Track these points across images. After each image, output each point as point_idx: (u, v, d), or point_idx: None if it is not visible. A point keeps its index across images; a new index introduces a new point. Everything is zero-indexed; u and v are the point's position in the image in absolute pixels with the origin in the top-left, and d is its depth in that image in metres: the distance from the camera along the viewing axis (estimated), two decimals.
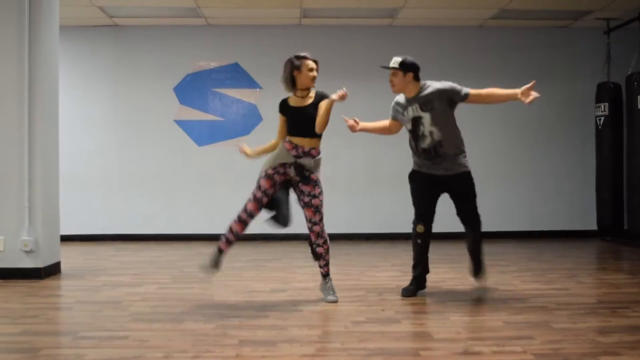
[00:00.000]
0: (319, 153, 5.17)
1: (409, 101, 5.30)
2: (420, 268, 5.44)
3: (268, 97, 9.57)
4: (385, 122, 5.60)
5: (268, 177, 5.11)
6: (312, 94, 5.23)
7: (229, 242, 5.22)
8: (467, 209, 5.33)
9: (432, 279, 6.17)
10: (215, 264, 5.26)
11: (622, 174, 9.04)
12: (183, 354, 3.72)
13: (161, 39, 9.65)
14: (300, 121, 5.09)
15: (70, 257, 7.53)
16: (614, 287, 5.78)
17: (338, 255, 7.86)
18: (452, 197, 5.35)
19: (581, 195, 9.68)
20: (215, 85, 9.65)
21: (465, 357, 3.64)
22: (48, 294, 5.66)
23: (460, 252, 7.87)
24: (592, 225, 9.45)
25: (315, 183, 5.12)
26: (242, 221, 5.15)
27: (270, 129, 9.85)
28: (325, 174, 9.51)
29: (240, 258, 7.40)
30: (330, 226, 9.46)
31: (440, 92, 5.26)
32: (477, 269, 5.49)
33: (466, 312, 4.75)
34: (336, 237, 9.30)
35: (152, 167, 9.63)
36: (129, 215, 9.58)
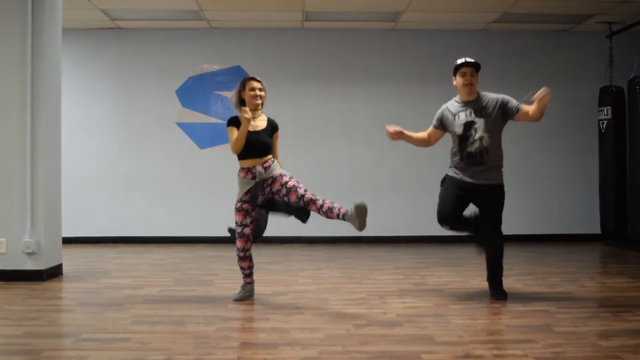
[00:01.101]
0: (272, 161, 5.29)
1: (465, 105, 5.36)
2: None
3: (270, 100, 9.56)
4: (424, 134, 5.64)
5: (238, 210, 5.23)
6: (264, 117, 5.45)
7: (249, 273, 5.40)
8: (493, 220, 5.38)
9: (433, 282, 6.18)
10: (249, 294, 5.40)
11: (625, 177, 9.02)
12: (185, 357, 3.72)
13: (164, 41, 9.66)
14: (253, 143, 5.21)
15: (72, 259, 7.54)
16: (616, 291, 5.77)
17: (340, 259, 7.87)
18: (481, 206, 5.40)
19: (584, 199, 9.66)
20: (218, 88, 9.66)
21: None
22: (50, 296, 5.67)
23: (462, 256, 7.88)
24: (595, 229, 9.43)
25: (280, 176, 5.22)
26: (244, 257, 5.32)
27: None
28: (325, 177, 9.56)
29: None
30: (333, 230, 9.55)
31: (498, 101, 5.36)
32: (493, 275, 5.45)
33: (468, 316, 4.75)
34: (338, 241, 9.36)
35: (154, 169, 9.63)
36: (131, 217, 9.58)
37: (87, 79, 9.64)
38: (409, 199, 9.59)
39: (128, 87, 9.65)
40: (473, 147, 5.26)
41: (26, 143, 6.30)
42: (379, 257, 8.01)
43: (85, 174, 9.51)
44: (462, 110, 5.34)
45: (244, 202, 5.21)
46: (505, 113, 5.34)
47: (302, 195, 5.17)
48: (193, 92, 9.64)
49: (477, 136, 5.25)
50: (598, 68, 9.53)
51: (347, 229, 9.57)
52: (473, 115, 5.28)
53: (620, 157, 9.06)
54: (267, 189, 5.22)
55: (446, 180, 5.45)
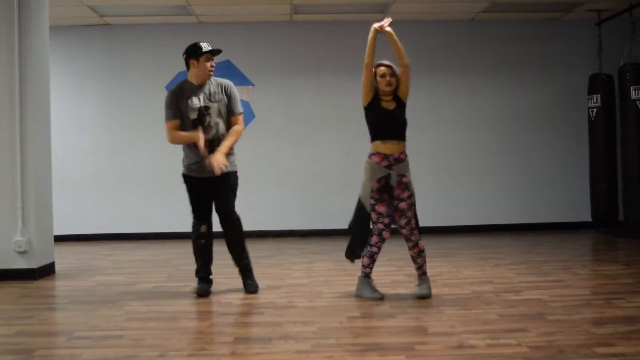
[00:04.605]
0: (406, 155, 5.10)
1: None
2: None
3: (260, 94, 9.57)
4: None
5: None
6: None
7: (369, 268, 5.16)
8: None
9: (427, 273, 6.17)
10: (379, 294, 5.12)
11: (616, 165, 9.06)
12: (178, 352, 3.72)
13: (152, 37, 9.62)
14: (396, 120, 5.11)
15: (65, 257, 7.52)
16: (609, 278, 5.79)
17: (333, 252, 7.86)
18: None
19: (575, 186, 9.69)
20: None
21: (460, 351, 3.64)
22: (42, 295, 5.65)
23: (454, 246, 7.90)
24: (587, 217, 9.47)
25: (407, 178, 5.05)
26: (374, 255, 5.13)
27: (262, 126, 9.89)
28: (319, 170, 9.55)
29: None
30: (326, 222, 9.56)
31: None
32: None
33: (461, 306, 4.75)
34: (331, 234, 9.36)
35: (145, 165, 9.60)
36: (123, 214, 9.56)
37: (76, 77, 9.60)
38: None
39: (118, 83, 9.62)
40: None
41: (15, 141, 6.27)
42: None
43: (76, 171, 9.48)
44: None
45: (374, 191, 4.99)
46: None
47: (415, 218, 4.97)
48: None
49: None
50: (587, 56, 9.55)
51: (339, 222, 9.59)
52: None
53: (611, 145, 9.10)
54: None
55: None
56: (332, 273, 6.37)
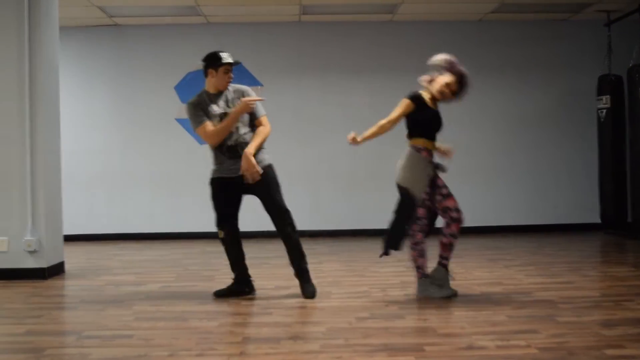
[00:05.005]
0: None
1: None
2: None
3: (269, 95, 9.57)
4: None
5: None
6: None
7: (421, 265, 5.17)
8: None
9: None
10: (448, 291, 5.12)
11: (625, 166, 9.02)
12: (187, 352, 3.72)
13: (161, 37, 9.64)
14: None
15: (74, 257, 7.54)
16: (618, 280, 5.77)
17: (341, 252, 7.87)
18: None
19: (584, 188, 9.66)
20: None
21: (470, 352, 3.64)
22: (52, 294, 5.67)
23: (463, 247, 7.88)
24: (595, 219, 9.43)
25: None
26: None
27: (271, 126, 9.84)
28: (327, 170, 9.56)
29: None
30: (333, 223, 9.56)
31: None
32: None
33: (470, 307, 4.75)
34: (340, 234, 9.36)
35: (154, 165, 9.63)
36: (132, 214, 9.58)
37: (86, 77, 9.63)
38: None
39: (126, 84, 9.65)
40: None
41: (25, 141, 6.29)
42: (380, 250, 7.99)
43: (85, 171, 9.51)
44: None
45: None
46: None
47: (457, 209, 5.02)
48: (192, 88, 9.58)
49: None
50: (596, 57, 9.51)
51: (348, 223, 9.61)
52: None
53: (620, 146, 9.06)
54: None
55: None
56: (341, 273, 6.37)
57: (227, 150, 5.20)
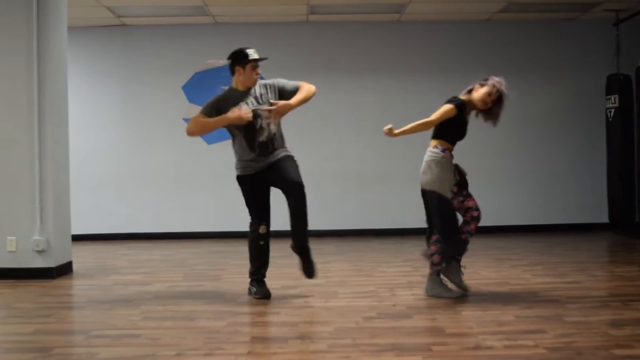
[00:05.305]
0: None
1: None
2: None
3: None
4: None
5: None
6: None
7: (437, 263, 5.16)
8: None
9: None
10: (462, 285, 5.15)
11: (634, 166, 8.98)
12: (195, 352, 3.73)
13: (169, 37, 9.66)
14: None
15: (82, 257, 7.56)
16: (626, 280, 5.75)
17: (348, 252, 7.87)
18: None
19: (592, 188, 9.63)
20: (224, 83, 9.57)
21: (477, 352, 3.63)
22: (60, 294, 5.69)
23: (470, 247, 7.85)
24: (603, 219, 9.40)
25: None
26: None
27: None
28: (335, 170, 9.56)
29: None
30: (340, 222, 9.56)
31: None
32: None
33: (478, 307, 4.74)
34: (347, 234, 9.36)
35: (161, 165, 9.65)
36: (140, 213, 9.61)
37: (94, 77, 9.66)
38: (417, 191, 9.53)
39: (135, 84, 9.67)
40: None
41: (34, 141, 6.31)
42: (387, 250, 8.01)
43: (93, 171, 9.54)
44: None
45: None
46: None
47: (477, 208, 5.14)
48: (199, 88, 9.64)
49: None
50: (605, 56, 9.47)
51: (355, 222, 9.60)
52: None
53: (628, 146, 9.03)
54: None
55: None
56: (348, 273, 6.38)
57: (259, 147, 5.13)
